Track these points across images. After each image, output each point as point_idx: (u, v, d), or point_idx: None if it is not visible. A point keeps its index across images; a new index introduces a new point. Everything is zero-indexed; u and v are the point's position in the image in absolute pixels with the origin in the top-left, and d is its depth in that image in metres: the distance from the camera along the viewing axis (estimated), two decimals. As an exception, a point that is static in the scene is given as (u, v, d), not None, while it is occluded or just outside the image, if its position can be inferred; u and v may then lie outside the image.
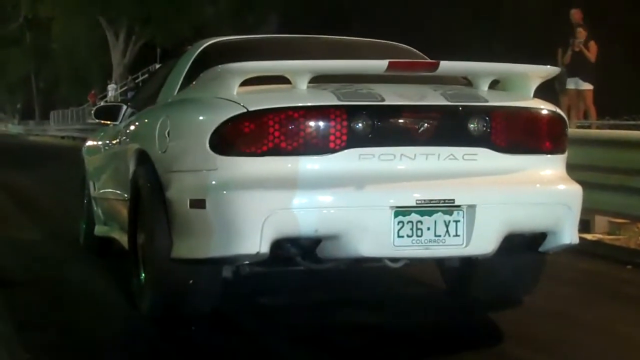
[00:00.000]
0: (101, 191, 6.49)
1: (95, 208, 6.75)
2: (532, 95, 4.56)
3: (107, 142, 6.43)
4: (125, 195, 5.30)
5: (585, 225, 8.10)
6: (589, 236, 7.96)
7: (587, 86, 14.40)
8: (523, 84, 4.57)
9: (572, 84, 14.43)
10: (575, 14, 14.55)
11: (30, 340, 4.51)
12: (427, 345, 4.61)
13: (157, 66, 39.55)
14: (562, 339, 4.72)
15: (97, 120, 6.58)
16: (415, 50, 5.76)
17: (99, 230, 6.60)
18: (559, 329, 4.89)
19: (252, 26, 32.15)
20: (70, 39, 43.80)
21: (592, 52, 14.26)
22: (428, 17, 25.73)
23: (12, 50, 58.15)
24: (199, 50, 5.42)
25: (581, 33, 14.25)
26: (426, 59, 5.19)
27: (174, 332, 4.73)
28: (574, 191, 4.47)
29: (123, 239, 5.53)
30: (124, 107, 6.25)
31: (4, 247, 7.57)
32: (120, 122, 6.10)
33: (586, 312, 5.30)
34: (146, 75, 34.72)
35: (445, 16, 25.58)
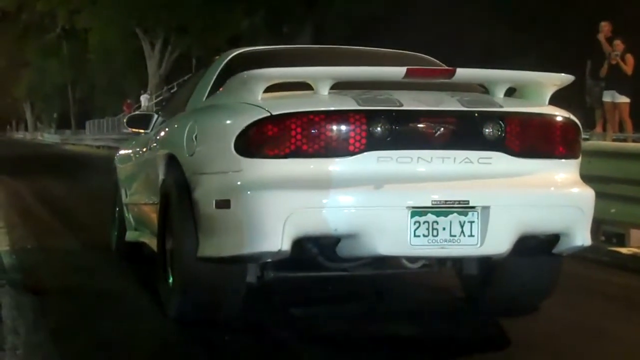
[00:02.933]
0: (132, 197, 6.71)
1: (126, 214, 6.96)
2: (547, 102, 4.68)
3: (138, 150, 6.63)
4: (155, 200, 5.47)
5: (620, 239, 8.04)
6: (624, 250, 7.89)
7: (624, 99, 14.31)
8: (538, 92, 4.69)
9: (608, 96, 14.36)
10: (605, 27, 14.47)
11: (64, 348, 4.54)
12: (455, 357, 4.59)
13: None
14: (597, 353, 4.69)
15: (130, 130, 6.75)
16: (437, 61, 5.82)
17: (130, 235, 6.79)
18: (594, 344, 4.85)
19: (287, 36, 32.24)
20: (107, 50, 44.15)
21: (629, 65, 14.18)
22: (465, 29, 25.69)
23: (50, 60, 58.80)
24: (227, 59, 5.61)
25: (619, 45, 14.17)
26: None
27: (205, 338, 4.75)
28: (587, 194, 4.60)
29: (153, 242, 5.71)
30: (155, 116, 6.47)
31: (39, 255, 7.64)
32: (151, 130, 6.27)
33: (621, 327, 5.25)
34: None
35: (483, 30, 25.51)
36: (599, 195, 7.78)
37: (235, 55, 5.67)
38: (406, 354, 4.56)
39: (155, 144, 5.85)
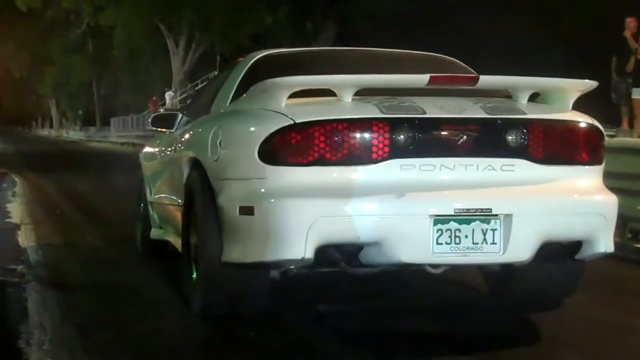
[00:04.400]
0: (157, 196, 6.74)
1: (151, 212, 7.01)
2: (570, 107, 4.67)
3: (163, 149, 6.69)
4: (180, 201, 5.55)
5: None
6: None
7: (653, 95, 14.16)
8: (562, 97, 4.67)
9: (637, 93, 14.21)
10: (631, 23, 14.35)
11: (89, 343, 4.57)
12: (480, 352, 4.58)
13: (216, 74, 39.82)
14: (625, 350, 4.67)
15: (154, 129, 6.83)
16: (459, 62, 5.86)
17: (155, 233, 6.84)
18: (622, 341, 4.82)
19: (311, 33, 32.23)
20: (131, 47, 44.33)
21: (657, 61, 14.04)
22: (490, 25, 25.59)
23: (75, 57, 59.09)
24: (251, 62, 5.65)
25: (646, 41, 14.06)
26: (469, 71, 5.44)
27: (230, 334, 4.76)
28: (610, 201, 4.58)
29: (177, 241, 5.78)
30: (180, 115, 6.49)
31: (64, 251, 7.69)
32: (176, 129, 6.33)
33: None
34: (205, 83, 35.45)
35: (508, 26, 25.41)
36: (625, 193, 7.76)
37: (260, 58, 5.71)
38: (431, 351, 4.55)
39: (180, 146, 5.90)
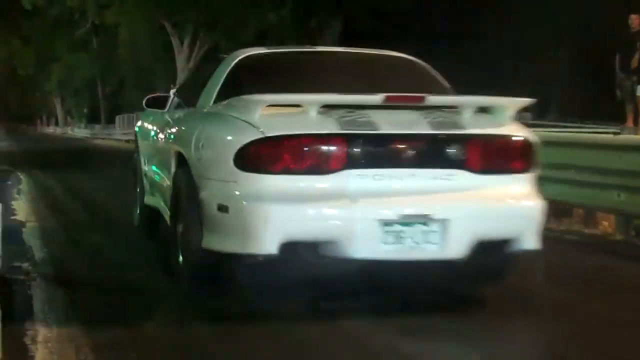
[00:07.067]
0: (148, 167, 7.73)
1: (145, 180, 7.88)
2: (509, 119, 5.30)
3: (155, 128, 7.52)
4: (167, 178, 6.45)
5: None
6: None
7: (657, 92, 14.15)
8: (501, 112, 5.29)
9: (640, 89, 14.20)
10: (635, 20, 14.34)
11: (95, 339, 4.59)
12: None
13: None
14: (624, 345, 4.68)
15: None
16: (426, 66, 6.45)
17: (148, 199, 7.70)
18: (621, 336, 4.84)
19: (316, 30, 32.19)
20: (136, 45, 44.35)
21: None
22: (497, 22, 25.58)
23: (79, 55, 59.12)
24: (235, 61, 6.23)
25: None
26: (432, 78, 6.27)
27: (235, 333, 4.79)
28: (536, 206, 5.20)
29: (165, 210, 6.61)
30: (171, 96, 7.35)
31: (70, 248, 7.72)
32: (167, 110, 7.15)
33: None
34: None
35: (512, 21, 25.40)
36: (629, 190, 7.77)
37: (243, 58, 6.29)
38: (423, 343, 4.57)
39: (170, 134, 6.65)
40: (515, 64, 26.64)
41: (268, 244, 4.82)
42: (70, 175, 16.59)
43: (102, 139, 52.54)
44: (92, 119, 68.44)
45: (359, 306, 5.47)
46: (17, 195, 12.43)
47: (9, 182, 14.67)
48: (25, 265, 6.61)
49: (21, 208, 10.65)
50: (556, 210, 9.18)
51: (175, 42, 40.06)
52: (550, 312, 5.42)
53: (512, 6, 25.39)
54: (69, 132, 72.43)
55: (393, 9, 27.75)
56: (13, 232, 8.12)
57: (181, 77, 39.67)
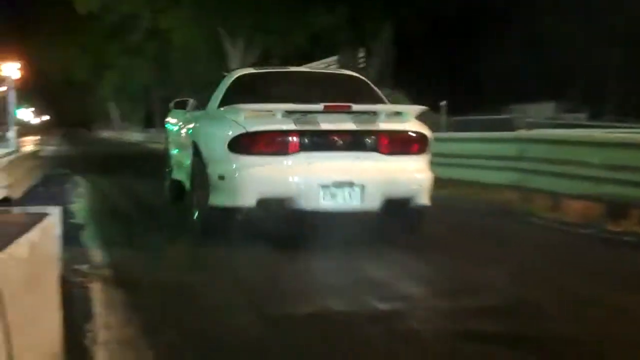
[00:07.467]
0: (174, 153, 10.87)
1: (172, 162, 10.97)
2: (412, 120, 8.00)
3: (180, 122, 10.62)
4: (186, 161, 9.19)
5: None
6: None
7: None
8: (407, 114, 8.06)
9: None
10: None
11: (155, 342, 4.64)
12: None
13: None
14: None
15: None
16: (365, 81, 9.36)
17: (175, 174, 10.63)
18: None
19: (369, 33, 32.14)
20: (189, 50, 44.60)
21: None
22: (549, 24, 25.34)
23: (134, 60, 59.70)
24: (233, 78, 9.21)
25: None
26: (370, 90, 9.05)
27: (287, 333, 4.80)
28: (426, 176, 7.93)
29: (185, 182, 9.51)
30: (191, 100, 10.43)
31: (129, 251, 7.79)
32: (187, 110, 10.25)
33: None
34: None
35: (565, 23, 25.15)
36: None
37: (239, 75, 9.31)
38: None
39: (188, 129, 9.58)
40: (572, 63, 26.43)
41: (249, 200, 7.55)
42: (127, 179, 16.75)
43: (158, 142, 53.01)
44: (148, 123, 69.06)
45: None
46: (75, 199, 12.59)
47: (67, 186, 14.87)
48: (84, 267, 6.69)
49: (79, 211, 10.80)
50: (613, 211, 9.10)
51: (228, 46, 40.27)
52: (560, 300, 5.34)
53: (566, 8, 25.17)
54: (125, 136, 73.17)
55: (447, 13, 27.59)
56: (72, 235, 8.25)
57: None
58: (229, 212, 7.74)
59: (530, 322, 5.16)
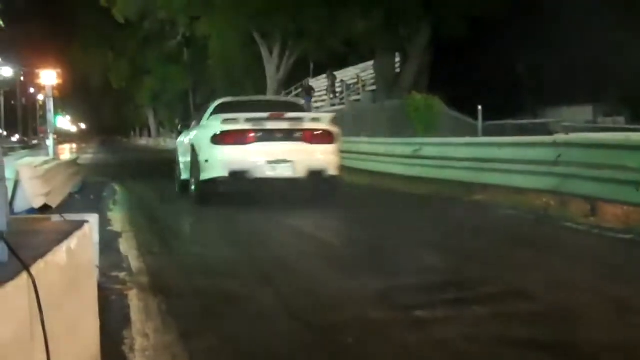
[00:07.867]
0: (181, 159, 14.96)
1: (181, 167, 14.94)
2: (328, 122, 12.66)
3: (184, 139, 14.99)
4: (188, 159, 13.47)
5: None
6: None
7: None
8: (324, 119, 12.84)
9: None
10: None
11: (191, 348, 4.64)
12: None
13: (309, 80, 39.74)
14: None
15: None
16: (297, 102, 16.06)
17: (183, 175, 14.51)
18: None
19: (404, 37, 32.05)
20: (226, 55, 44.80)
21: None
22: (584, 25, 25.17)
23: (171, 67, 60.14)
24: (216, 103, 14.09)
25: None
26: (297, 107, 14.42)
27: (329, 341, 4.78)
28: (334, 157, 12.52)
29: (187, 175, 13.82)
30: (194, 122, 15.07)
31: (166, 258, 7.81)
32: (191, 127, 14.93)
33: None
34: (299, 90, 36.34)
35: (599, 23, 24.96)
36: None
37: (221, 102, 14.10)
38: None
39: (189, 137, 13.94)
40: (611, 64, 26.23)
41: (224, 172, 12.02)
42: (163, 186, 16.85)
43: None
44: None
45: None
46: (112, 206, 12.69)
47: (105, 194, 14.98)
48: (122, 275, 6.73)
49: (116, 218, 10.88)
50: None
51: (264, 52, 40.39)
52: (572, 293, 5.28)
53: (598, 7, 24.97)
54: (162, 143, 73.62)
55: (485, 15, 27.43)
56: (109, 242, 8.30)
57: (272, 86, 39.99)
58: (214, 182, 12.19)
59: (570, 329, 5.10)
